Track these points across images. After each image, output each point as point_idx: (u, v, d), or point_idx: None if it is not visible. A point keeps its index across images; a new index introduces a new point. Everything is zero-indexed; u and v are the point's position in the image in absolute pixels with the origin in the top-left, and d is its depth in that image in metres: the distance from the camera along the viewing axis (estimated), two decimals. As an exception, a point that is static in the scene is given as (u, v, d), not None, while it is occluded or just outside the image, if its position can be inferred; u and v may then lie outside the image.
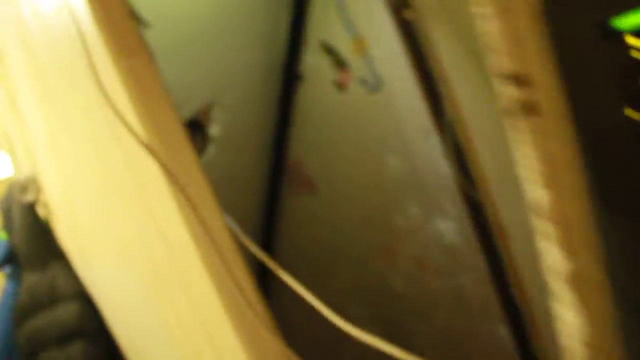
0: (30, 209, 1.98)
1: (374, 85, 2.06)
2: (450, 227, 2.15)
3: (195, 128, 2.04)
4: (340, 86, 2.17)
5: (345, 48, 2.10)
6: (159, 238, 1.33)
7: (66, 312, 2.06)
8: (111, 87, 1.07)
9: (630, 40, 1.34)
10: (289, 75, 2.31)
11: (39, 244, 2.02)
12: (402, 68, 1.94)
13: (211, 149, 2.17)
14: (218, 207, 1.25)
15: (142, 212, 1.36)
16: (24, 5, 1.46)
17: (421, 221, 2.24)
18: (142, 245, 1.46)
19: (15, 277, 1.92)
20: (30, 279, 2.05)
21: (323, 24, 2.15)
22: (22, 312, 1.90)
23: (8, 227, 2.01)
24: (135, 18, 1.14)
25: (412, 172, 2.15)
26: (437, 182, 2.10)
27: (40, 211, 2.04)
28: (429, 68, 1.86)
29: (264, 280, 1.95)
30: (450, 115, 1.88)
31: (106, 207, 1.59)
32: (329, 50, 2.15)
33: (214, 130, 2.16)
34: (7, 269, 1.90)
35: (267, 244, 2.54)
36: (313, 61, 2.24)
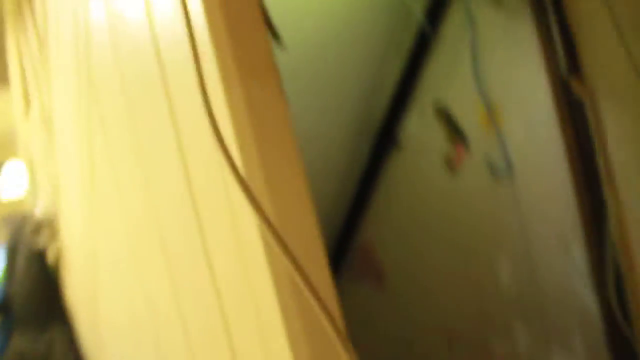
0: (39, 256, 1.71)
1: (502, 170, 1.56)
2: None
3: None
4: (452, 164, 1.67)
5: (469, 117, 1.61)
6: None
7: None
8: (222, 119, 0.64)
9: None
10: (384, 141, 1.83)
11: (42, 300, 1.75)
12: (552, 155, 1.44)
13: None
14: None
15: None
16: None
17: (527, 354, 1.69)
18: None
19: (4, 329, 1.65)
20: (23, 338, 1.72)
21: (443, 81, 1.67)
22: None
23: (10, 270, 1.78)
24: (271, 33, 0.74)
25: (531, 291, 1.62)
26: (566, 311, 1.57)
27: (50, 259, 1.74)
28: (592, 161, 1.36)
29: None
30: (613, 230, 1.36)
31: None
32: (445, 117, 1.67)
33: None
34: (-3, 317, 1.66)
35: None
36: (419, 127, 1.76)
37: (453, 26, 1.61)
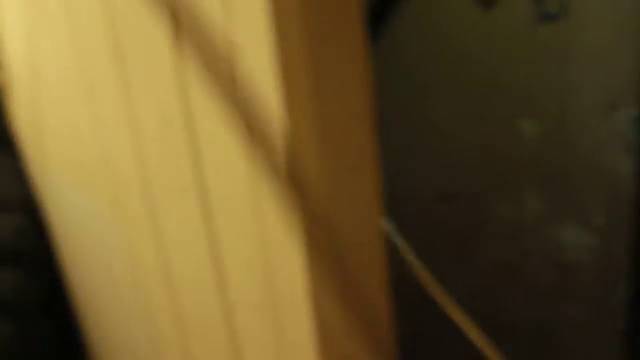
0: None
1: (551, 11, 1.33)
2: (585, 244, 1.48)
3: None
4: (489, 1, 1.42)
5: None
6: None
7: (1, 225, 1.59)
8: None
9: None
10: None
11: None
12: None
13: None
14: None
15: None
16: None
17: (537, 221, 1.56)
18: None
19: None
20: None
21: None
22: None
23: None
24: None
25: (555, 154, 1.46)
26: (594, 180, 1.42)
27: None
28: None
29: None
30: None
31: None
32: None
33: None
34: None
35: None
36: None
37: None
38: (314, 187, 0.60)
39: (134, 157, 0.95)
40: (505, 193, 1.58)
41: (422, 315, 1.57)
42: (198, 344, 0.95)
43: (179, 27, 0.69)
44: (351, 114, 0.62)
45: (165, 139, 0.81)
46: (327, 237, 0.61)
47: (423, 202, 1.76)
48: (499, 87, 1.49)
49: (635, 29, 1.22)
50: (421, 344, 1.81)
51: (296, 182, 0.60)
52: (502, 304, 1.70)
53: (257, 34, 0.56)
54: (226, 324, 0.81)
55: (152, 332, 1.17)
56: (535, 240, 1.59)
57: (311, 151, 0.60)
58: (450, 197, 1.69)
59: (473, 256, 1.70)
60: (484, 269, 1.71)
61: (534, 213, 1.55)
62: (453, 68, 1.56)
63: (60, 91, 1.24)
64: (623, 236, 1.43)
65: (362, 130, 0.63)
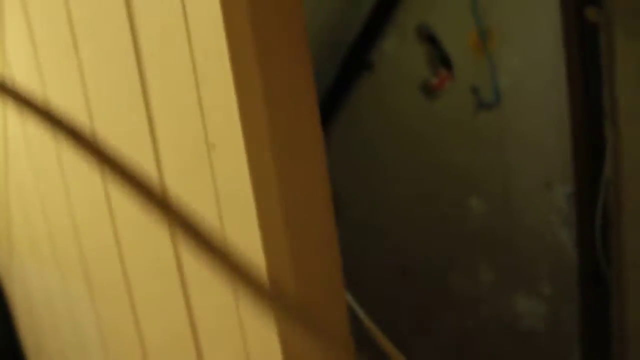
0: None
1: (488, 99, 1.46)
2: (536, 311, 1.57)
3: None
4: (432, 90, 1.55)
5: (456, 41, 1.48)
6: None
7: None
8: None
9: None
10: (355, 62, 1.67)
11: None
12: (550, 85, 1.34)
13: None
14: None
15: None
16: None
17: (489, 292, 1.65)
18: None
19: None
20: None
21: (429, 2, 1.52)
22: None
23: None
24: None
25: (502, 229, 1.56)
26: (539, 252, 1.52)
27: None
28: (595, 97, 1.27)
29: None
30: (609, 172, 1.30)
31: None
32: (429, 40, 1.53)
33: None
34: None
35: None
36: (396, 50, 1.61)
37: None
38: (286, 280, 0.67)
39: (114, 251, 1.00)
40: (460, 266, 1.67)
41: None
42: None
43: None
44: (312, 200, 0.69)
45: (146, 224, 0.86)
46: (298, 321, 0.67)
47: (384, 278, 1.84)
48: (448, 168, 1.60)
49: (561, 115, 1.34)
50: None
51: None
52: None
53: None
54: None
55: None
56: (490, 310, 1.67)
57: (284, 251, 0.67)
58: (409, 272, 1.77)
59: (432, 327, 1.78)
60: (443, 339, 1.78)
61: (487, 284, 1.64)
62: (406, 151, 1.67)
63: (33, 174, 1.28)
64: (571, 303, 1.52)
65: (324, 215, 0.70)
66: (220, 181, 0.68)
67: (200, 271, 0.80)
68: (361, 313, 0.85)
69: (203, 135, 0.68)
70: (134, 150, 0.84)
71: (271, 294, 0.47)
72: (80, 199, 1.10)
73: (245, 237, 0.66)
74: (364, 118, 1.71)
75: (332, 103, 1.71)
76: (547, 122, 1.39)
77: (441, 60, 1.51)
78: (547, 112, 1.38)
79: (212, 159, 0.68)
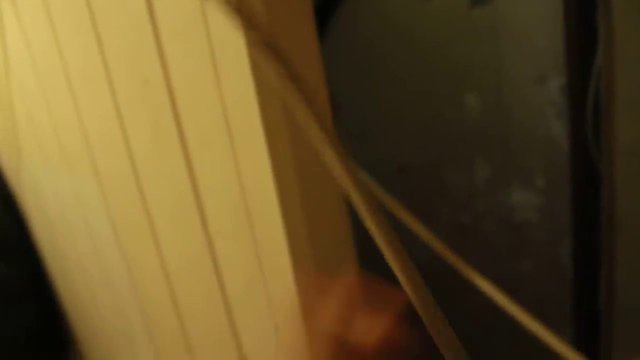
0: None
1: (483, -5, 1.46)
2: (530, 204, 1.63)
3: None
4: (427, -11, 1.54)
5: None
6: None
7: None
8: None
9: None
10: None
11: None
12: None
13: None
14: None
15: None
16: None
17: (485, 185, 1.70)
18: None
19: None
20: None
21: None
22: None
23: None
24: None
25: (496, 123, 1.59)
26: (533, 144, 1.55)
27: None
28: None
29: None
30: (601, 59, 1.31)
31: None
32: None
33: None
34: None
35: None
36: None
37: None
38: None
39: (117, 128, 1.01)
40: (456, 162, 1.72)
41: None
42: (182, 290, 1.04)
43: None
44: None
45: (145, 100, 0.88)
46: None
47: (382, 177, 1.89)
48: (442, 66, 1.62)
49: (554, 8, 1.35)
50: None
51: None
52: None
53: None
54: (209, 255, 0.89)
55: (133, 280, 1.25)
56: (486, 204, 1.73)
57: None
58: (406, 169, 1.82)
59: (430, 222, 1.84)
60: (441, 233, 1.84)
61: (483, 179, 1.69)
62: (401, 51, 1.68)
63: (37, 81, 1.28)
64: (564, 194, 1.57)
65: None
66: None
67: (213, 184, 0.83)
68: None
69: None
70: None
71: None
72: (88, 105, 1.12)
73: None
74: (358, 19, 1.71)
75: (327, 5, 1.71)
76: (540, 16, 1.39)
77: (435, -45, 1.50)
78: (540, 7, 1.38)
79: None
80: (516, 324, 1.05)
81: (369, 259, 0.93)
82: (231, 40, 0.67)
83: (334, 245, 0.76)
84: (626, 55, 1.29)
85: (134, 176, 1.04)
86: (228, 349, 0.94)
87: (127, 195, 1.10)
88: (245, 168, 0.74)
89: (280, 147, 0.69)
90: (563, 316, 1.72)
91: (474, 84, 1.58)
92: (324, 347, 0.51)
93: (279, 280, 0.75)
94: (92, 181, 1.22)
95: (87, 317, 1.66)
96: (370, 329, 0.54)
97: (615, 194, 1.46)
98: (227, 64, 0.70)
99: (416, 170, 1.79)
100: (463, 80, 1.59)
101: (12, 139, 1.55)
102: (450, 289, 1.36)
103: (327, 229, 0.75)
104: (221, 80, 0.72)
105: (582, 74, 1.36)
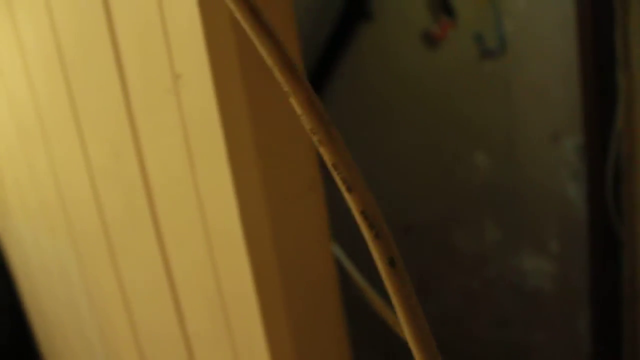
0: None
1: (493, 48, 1.37)
2: (543, 270, 1.51)
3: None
4: (433, 40, 1.46)
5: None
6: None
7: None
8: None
9: None
10: (354, 11, 1.58)
11: None
12: (558, 32, 1.25)
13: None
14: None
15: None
16: None
17: (495, 250, 1.58)
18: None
19: None
20: None
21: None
22: None
23: None
24: None
25: (507, 184, 1.48)
26: (546, 208, 1.44)
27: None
28: (607, 42, 1.18)
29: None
30: (621, 119, 1.22)
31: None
32: (430, -16, 1.44)
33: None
34: None
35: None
36: (395, -3, 1.52)
37: None
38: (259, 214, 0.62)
39: (90, 196, 0.95)
40: (465, 224, 1.61)
41: (376, 342, 1.58)
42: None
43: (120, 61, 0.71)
44: (294, 142, 0.64)
45: (117, 172, 0.82)
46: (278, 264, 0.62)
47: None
48: (451, 120, 1.52)
49: (569, 62, 1.26)
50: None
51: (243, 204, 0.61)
52: (469, 333, 1.71)
53: (199, 66, 0.58)
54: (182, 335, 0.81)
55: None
56: (496, 269, 1.61)
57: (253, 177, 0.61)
58: (413, 229, 1.71)
59: (437, 288, 1.72)
60: (449, 299, 1.73)
61: (492, 242, 1.57)
62: (408, 103, 1.59)
63: (18, 139, 1.25)
64: (579, 261, 1.46)
65: (307, 158, 0.65)
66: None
67: (175, 222, 0.75)
68: (358, 276, 0.79)
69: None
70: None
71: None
72: (65, 172, 1.06)
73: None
74: (364, 70, 1.63)
75: (331, 54, 1.63)
76: (554, 69, 1.30)
77: (443, 6, 1.42)
78: (554, 59, 1.30)
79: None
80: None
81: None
82: (206, 119, 0.59)
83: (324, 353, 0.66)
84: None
85: (107, 248, 0.97)
86: None
87: (101, 265, 1.02)
88: (225, 273, 0.65)
89: (261, 249, 0.60)
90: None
91: (484, 140, 1.48)
92: None
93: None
94: (69, 247, 1.16)
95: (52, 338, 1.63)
96: None
97: (638, 262, 1.34)
98: (202, 147, 0.62)
99: (423, 230, 1.68)
100: (473, 135, 1.49)
101: (1, 196, 1.55)
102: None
103: (317, 337, 0.65)
104: (196, 166, 0.64)
105: (600, 132, 1.26)
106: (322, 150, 0.37)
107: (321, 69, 1.61)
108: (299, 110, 0.35)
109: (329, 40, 1.59)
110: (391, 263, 0.39)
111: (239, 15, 0.32)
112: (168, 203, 0.73)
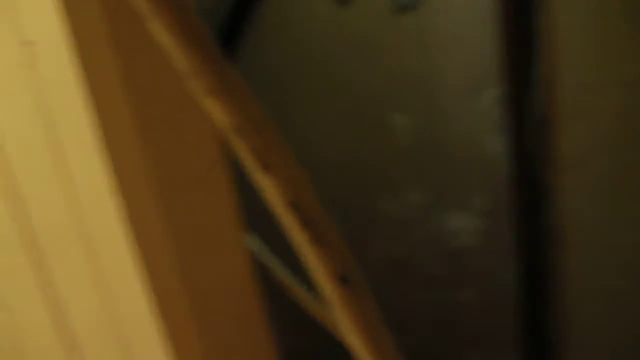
0: None
1: (406, 1, 1.31)
2: (469, 227, 1.48)
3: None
4: (343, -3, 1.38)
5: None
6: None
7: None
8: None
9: None
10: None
11: None
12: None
13: None
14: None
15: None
16: None
17: (420, 212, 1.55)
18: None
19: None
20: None
21: None
22: None
23: None
24: None
25: (428, 142, 1.44)
26: (470, 163, 1.41)
27: None
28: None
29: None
30: (542, 69, 1.19)
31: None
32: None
33: None
34: None
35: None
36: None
37: None
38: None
39: None
40: (388, 189, 1.55)
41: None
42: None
43: None
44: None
45: None
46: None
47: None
48: (367, 82, 1.46)
49: (489, 12, 1.21)
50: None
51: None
52: (396, 301, 1.67)
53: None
54: None
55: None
56: (422, 231, 1.57)
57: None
58: (335, 201, 1.64)
59: (363, 256, 1.67)
60: (376, 267, 1.68)
61: (417, 205, 1.53)
62: (318, 68, 1.50)
63: None
64: (505, 214, 1.44)
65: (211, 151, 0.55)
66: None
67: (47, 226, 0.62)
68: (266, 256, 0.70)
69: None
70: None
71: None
72: None
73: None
74: (271, 35, 1.53)
75: (235, 23, 1.51)
76: (472, 19, 1.26)
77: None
78: (471, 8, 1.25)
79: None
80: None
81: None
82: (68, 95, 0.47)
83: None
84: (570, 61, 1.17)
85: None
86: None
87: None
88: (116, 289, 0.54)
89: (155, 251, 0.49)
90: (509, 345, 1.59)
91: (401, 100, 1.43)
92: None
93: None
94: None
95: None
96: None
97: (563, 210, 1.34)
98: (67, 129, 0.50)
99: (345, 201, 1.61)
100: (389, 96, 1.43)
101: None
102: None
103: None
104: (65, 158, 0.52)
105: (521, 81, 1.24)
106: (221, 110, 0.24)
107: (225, 43, 1.49)
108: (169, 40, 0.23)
109: (232, 8, 1.48)
110: (344, 279, 0.27)
111: None
112: (37, 206, 0.60)
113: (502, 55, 1.24)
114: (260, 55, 1.56)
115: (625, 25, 1.15)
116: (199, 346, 0.55)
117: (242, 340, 0.60)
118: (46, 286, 0.67)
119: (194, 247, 0.55)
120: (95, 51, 0.45)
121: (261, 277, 0.68)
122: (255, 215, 0.71)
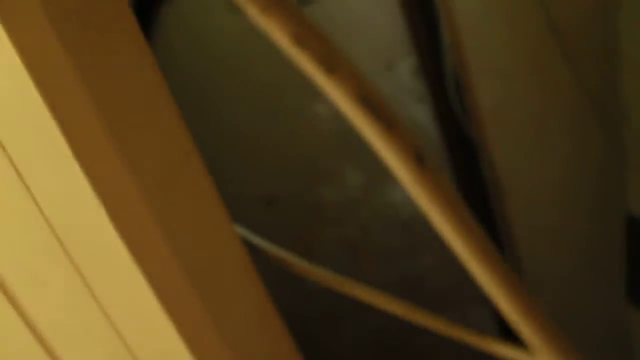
0: None
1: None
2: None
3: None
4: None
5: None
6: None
7: None
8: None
9: None
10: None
11: None
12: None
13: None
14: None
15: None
16: None
17: (363, 192, 1.58)
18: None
19: None
20: None
21: None
22: None
23: None
24: None
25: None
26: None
27: None
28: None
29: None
30: (447, 35, 1.23)
31: None
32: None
33: None
34: None
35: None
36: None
37: None
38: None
39: None
40: (326, 179, 1.58)
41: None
42: None
43: None
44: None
45: None
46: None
47: (251, 214, 1.71)
48: (284, 78, 1.47)
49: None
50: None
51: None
52: (359, 280, 1.70)
53: None
54: None
55: None
56: (368, 211, 1.60)
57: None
58: (274, 201, 1.65)
59: (316, 249, 1.69)
60: (330, 256, 1.70)
61: (358, 187, 1.56)
62: (228, 71, 1.51)
63: None
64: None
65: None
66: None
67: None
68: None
69: None
70: None
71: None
72: None
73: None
74: (174, 45, 1.52)
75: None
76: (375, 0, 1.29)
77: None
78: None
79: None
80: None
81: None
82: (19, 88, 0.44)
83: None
84: (467, 23, 1.21)
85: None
86: None
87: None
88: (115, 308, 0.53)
89: (151, 251, 0.49)
90: (476, 299, 1.64)
91: (319, 91, 1.44)
92: None
93: None
94: None
95: None
96: None
97: (494, 163, 1.39)
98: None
99: (286, 199, 1.62)
100: (308, 89, 1.44)
101: None
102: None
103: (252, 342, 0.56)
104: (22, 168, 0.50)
105: (432, 49, 1.27)
106: (279, 25, 0.26)
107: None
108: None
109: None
110: (420, 158, 0.30)
111: None
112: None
113: (408, 26, 1.27)
114: (169, 63, 1.55)
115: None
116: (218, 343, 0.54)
117: (252, 330, 0.60)
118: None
119: (190, 243, 0.54)
120: (37, 38, 0.41)
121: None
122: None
